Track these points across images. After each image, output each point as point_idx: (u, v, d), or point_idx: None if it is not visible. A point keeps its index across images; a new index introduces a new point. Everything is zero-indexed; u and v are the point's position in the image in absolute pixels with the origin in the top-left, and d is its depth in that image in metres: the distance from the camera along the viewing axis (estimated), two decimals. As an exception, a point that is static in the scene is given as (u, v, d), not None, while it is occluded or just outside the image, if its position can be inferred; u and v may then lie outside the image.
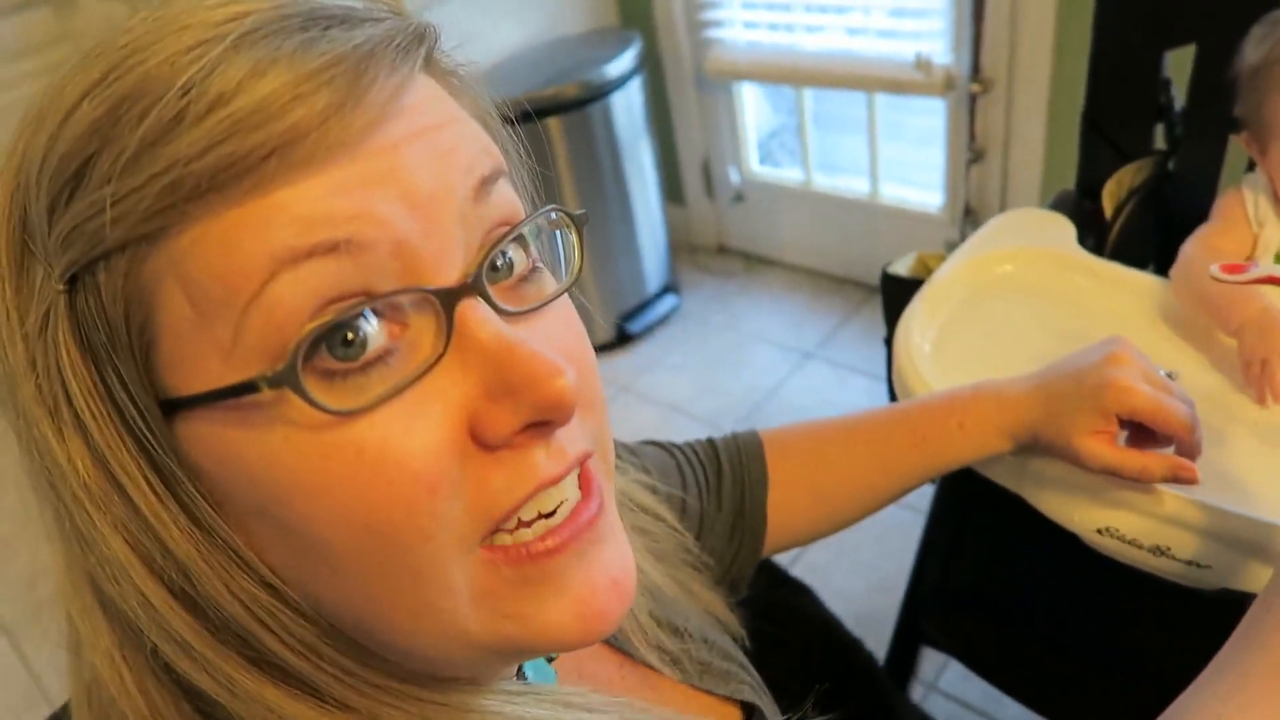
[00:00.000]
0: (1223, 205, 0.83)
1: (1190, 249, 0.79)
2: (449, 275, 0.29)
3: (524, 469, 0.30)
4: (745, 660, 0.57)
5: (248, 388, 0.27)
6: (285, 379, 0.27)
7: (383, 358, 0.28)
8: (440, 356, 0.29)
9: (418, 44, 0.30)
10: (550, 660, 0.44)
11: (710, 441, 0.66)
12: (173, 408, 0.29)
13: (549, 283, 0.34)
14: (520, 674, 0.41)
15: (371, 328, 0.28)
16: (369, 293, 0.28)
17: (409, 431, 0.28)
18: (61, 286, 0.28)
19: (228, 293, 0.27)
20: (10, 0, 2.43)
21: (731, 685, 0.52)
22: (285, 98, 0.27)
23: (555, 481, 0.31)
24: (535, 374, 0.29)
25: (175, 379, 0.28)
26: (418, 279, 0.29)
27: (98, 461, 0.29)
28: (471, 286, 0.30)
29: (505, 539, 0.30)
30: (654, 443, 0.64)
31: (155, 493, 0.29)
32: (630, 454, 0.61)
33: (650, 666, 0.50)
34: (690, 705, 0.51)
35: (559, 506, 0.31)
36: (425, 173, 0.29)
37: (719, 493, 0.63)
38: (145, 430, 0.29)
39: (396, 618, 0.30)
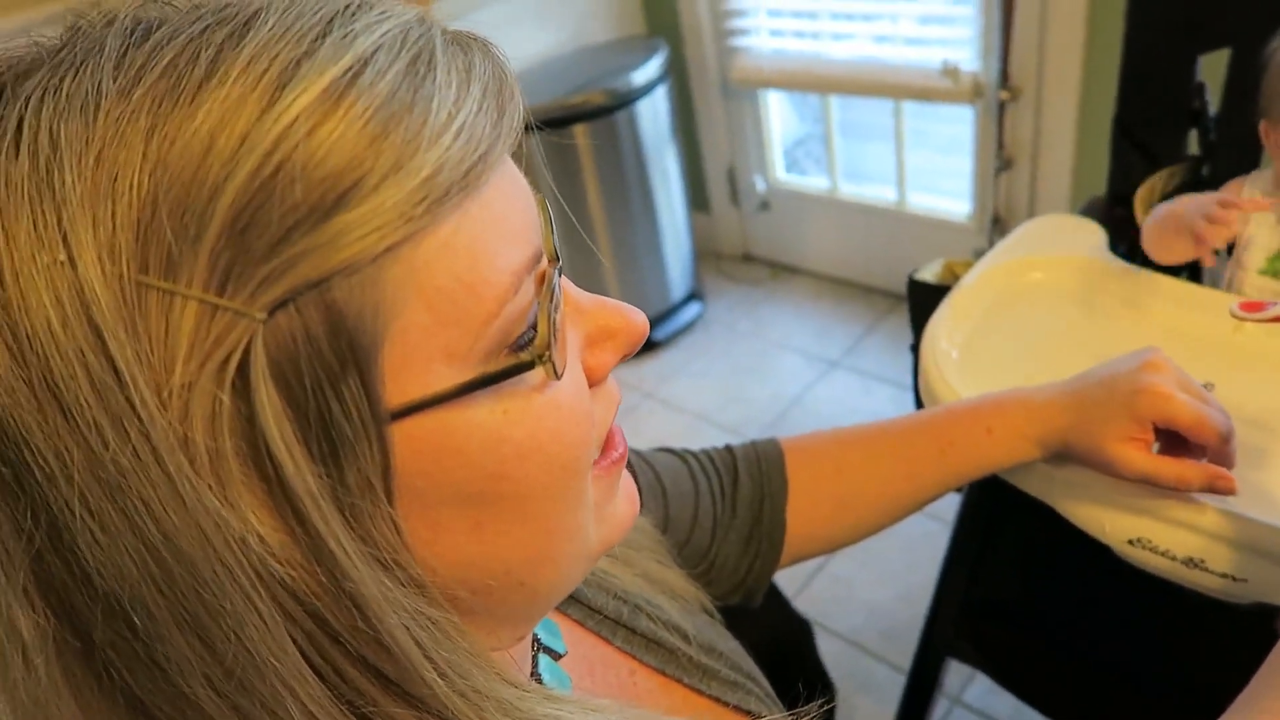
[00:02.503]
0: (1221, 190, 0.83)
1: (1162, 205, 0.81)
2: (542, 255, 0.33)
3: (609, 395, 0.37)
4: (755, 670, 0.56)
5: (518, 369, 0.30)
6: (545, 356, 0.30)
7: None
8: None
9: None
10: (558, 658, 0.44)
11: (728, 449, 0.65)
12: (402, 413, 0.28)
13: None
14: (535, 673, 0.41)
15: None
16: (546, 273, 0.32)
17: (574, 381, 0.33)
18: (263, 318, 0.25)
19: (474, 302, 0.29)
20: (47, 13, 2.48)
21: (739, 695, 0.52)
22: (484, 105, 0.29)
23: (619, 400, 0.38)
24: (628, 318, 0.36)
25: (397, 387, 0.28)
26: (545, 260, 0.33)
27: (279, 505, 0.27)
28: (561, 262, 0.34)
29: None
30: (668, 450, 0.64)
31: (345, 523, 0.28)
32: (641, 460, 0.61)
33: (660, 671, 0.50)
34: (704, 714, 0.50)
35: None
36: (521, 175, 0.32)
37: (734, 500, 0.62)
38: (356, 447, 0.27)
39: (562, 546, 0.34)
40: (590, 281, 2.11)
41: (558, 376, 0.31)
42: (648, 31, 2.36)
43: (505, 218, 0.30)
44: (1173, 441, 0.58)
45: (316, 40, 0.27)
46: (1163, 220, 0.79)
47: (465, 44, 0.30)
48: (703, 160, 2.47)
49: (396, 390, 0.28)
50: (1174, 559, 0.60)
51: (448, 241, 0.28)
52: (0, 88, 0.26)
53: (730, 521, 0.62)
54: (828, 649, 1.55)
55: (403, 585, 0.29)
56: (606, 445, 0.37)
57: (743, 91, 2.30)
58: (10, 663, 0.26)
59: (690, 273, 2.35)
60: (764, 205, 2.45)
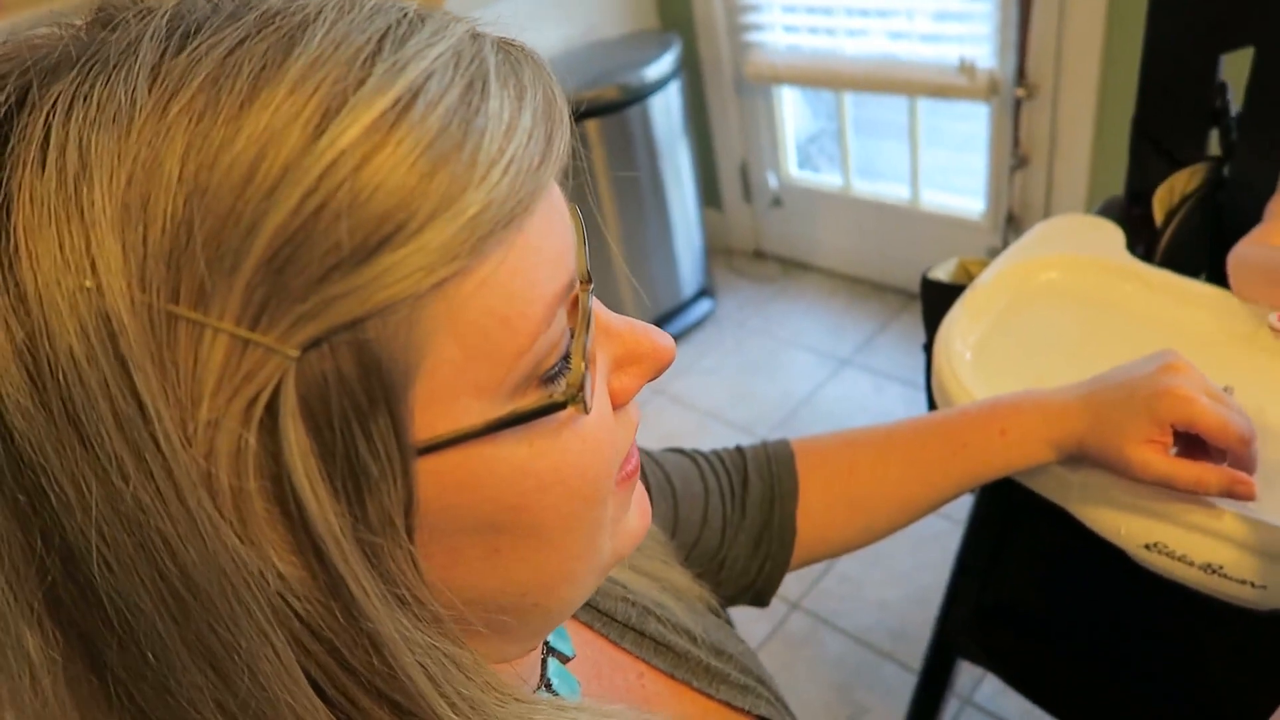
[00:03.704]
0: (1275, 204, 0.80)
1: (1242, 247, 0.77)
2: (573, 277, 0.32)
3: (629, 416, 0.36)
4: (765, 673, 0.56)
5: (550, 408, 0.29)
6: (578, 396, 0.30)
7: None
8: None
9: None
10: (566, 661, 0.44)
11: (739, 450, 0.65)
12: (429, 449, 0.28)
13: None
14: (544, 678, 0.41)
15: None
16: (579, 298, 0.31)
17: (601, 411, 0.33)
18: (295, 355, 0.24)
19: (508, 336, 0.28)
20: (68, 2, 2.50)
21: (749, 699, 0.51)
22: (534, 134, 0.28)
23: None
24: (656, 343, 0.35)
25: (425, 423, 0.27)
26: (575, 283, 0.32)
27: (300, 543, 0.26)
28: (589, 280, 0.33)
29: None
30: (678, 450, 0.63)
31: (364, 560, 0.27)
32: (651, 461, 0.60)
33: (669, 674, 0.49)
34: (714, 718, 0.50)
35: None
36: (561, 197, 0.31)
37: (743, 502, 0.62)
38: (380, 484, 0.27)
39: (577, 566, 0.34)
40: (602, 277, 2.12)
41: (587, 412, 0.31)
42: (661, 26, 2.35)
43: (544, 246, 0.29)
44: (1191, 445, 0.57)
45: (366, 64, 0.25)
46: (1266, 268, 0.75)
47: (515, 60, 0.29)
48: (715, 156, 2.46)
49: (424, 426, 0.27)
50: (1191, 564, 0.59)
51: (487, 279, 0.27)
52: (25, 88, 0.25)
53: (740, 523, 0.62)
54: (837, 648, 1.54)
55: (419, 620, 0.29)
56: (624, 459, 0.36)
57: (756, 87, 2.29)
58: (18, 681, 0.26)
59: (701, 269, 2.34)
60: (776, 202, 2.44)
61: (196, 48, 0.25)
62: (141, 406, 0.24)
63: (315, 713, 0.27)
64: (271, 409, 0.25)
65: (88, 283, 0.23)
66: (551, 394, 0.29)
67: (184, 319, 0.24)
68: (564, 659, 0.44)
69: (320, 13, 0.26)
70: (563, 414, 0.30)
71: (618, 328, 0.35)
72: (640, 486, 0.39)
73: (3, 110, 0.24)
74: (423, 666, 0.29)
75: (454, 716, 0.30)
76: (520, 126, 0.27)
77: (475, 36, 0.28)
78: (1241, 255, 0.76)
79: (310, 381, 0.25)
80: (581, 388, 0.30)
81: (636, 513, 0.38)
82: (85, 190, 0.23)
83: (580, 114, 1.96)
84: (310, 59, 0.25)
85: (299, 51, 0.25)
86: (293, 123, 0.24)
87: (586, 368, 0.30)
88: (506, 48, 0.29)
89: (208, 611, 0.25)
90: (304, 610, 0.26)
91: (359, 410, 0.26)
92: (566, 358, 0.30)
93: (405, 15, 0.28)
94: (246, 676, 0.26)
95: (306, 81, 0.25)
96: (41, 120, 0.24)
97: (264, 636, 0.26)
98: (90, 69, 0.25)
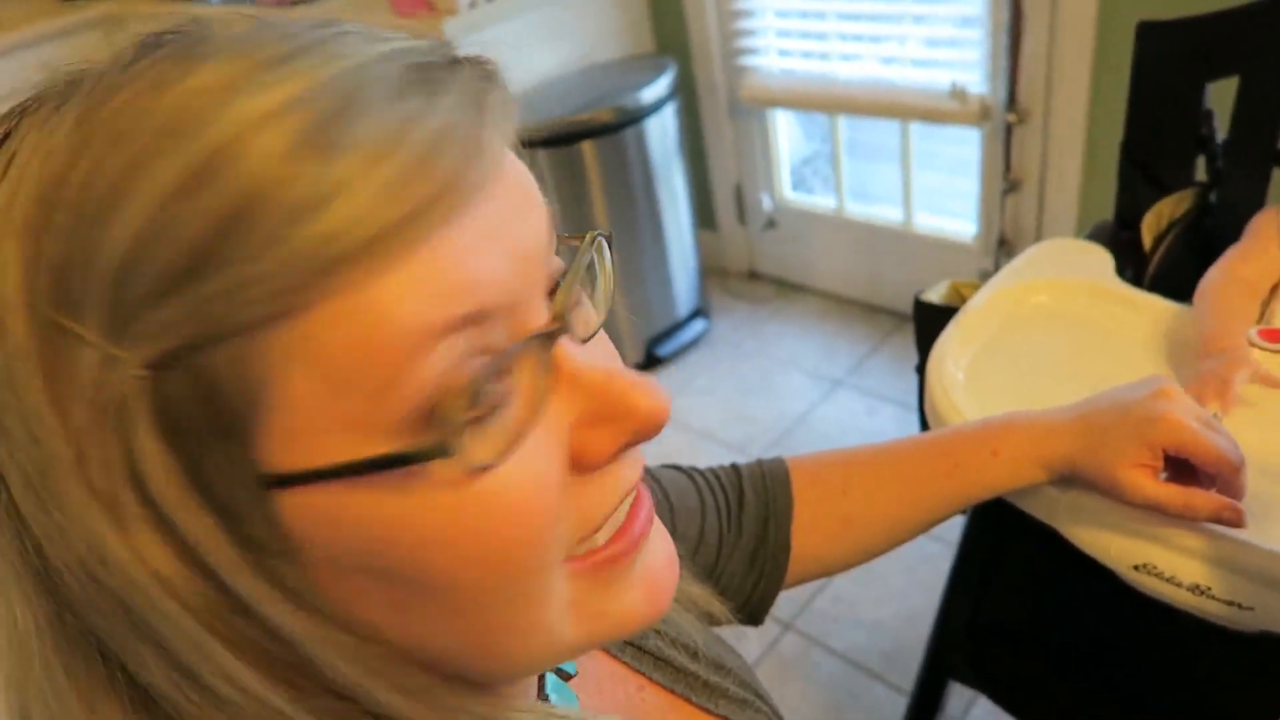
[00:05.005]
0: (1254, 225, 0.81)
1: (1213, 274, 0.79)
2: (540, 315, 0.30)
3: (612, 482, 0.32)
4: (762, 687, 0.56)
5: (407, 458, 0.26)
6: (446, 448, 0.27)
7: (497, 406, 0.28)
8: (545, 396, 0.30)
9: (500, 87, 0.30)
10: (568, 678, 0.44)
11: (734, 468, 0.65)
12: (283, 482, 0.27)
13: (589, 304, 0.35)
14: (541, 692, 0.41)
15: (499, 383, 0.28)
16: (491, 350, 0.28)
17: (529, 472, 0.29)
18: (144, 373, 0.25)
19: (374, 367, 0.26)
20: (59, 26, 2.51)
21: (747, 714, 0.52)
22: (433, 147, 0.26)
23: (635, 487, 0.33)
24: (637, 402, 0.30)
25: (287, 453, 0.26)
26: (523, 329, 0.29)
27: (180, 551, 0.26)
28: (564, 326, 0.30)
29: (580, 547, 0.32)
30: (675, 467, 0.64)
31: (254, 572, 0.27)
32: (648, 477, 0.61)
33: (669, 689, 0.50)
34: None
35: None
36: (521, 225, 0.29)
37: (739, 519, 0.62)
38: (246, 508, 0.27)
39: (508, 643, 0.31)
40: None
41: (469, 471, 0.27)
42: (657, 49, 2.37)
43: (439, 274, 0.26)
44: (1180, 470, 0.58)
45: (229, 89, 0.25)
46: (1219, 303, 0.77)
47: (433, 84, 0.27)
48: (710, 178, 2.48)
49: (286, 457, 0.27)
50: (1179, 585, 0.59)
51: (343, 309, 0.25)
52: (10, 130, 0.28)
53: (736, 540, 0.62)
54: (828, 669, 1.54)
55: (336, 626, 0.29)
56: (616, 535, 0.32)
57: (751, 110, 2.31)
58: (27, 663, 0.28)
59: (696, 290, 2.35)
60: (770, 223, 2.46)
61: (121, 80, 0.27)
62: (35, 406, 0.26)
63: (263, 687, 0.28)
64: (129, 419, 0.26)
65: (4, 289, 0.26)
66: (419, 443, 0.27)
67: (63, 328, 0.26)
68: (566, 676, 0.44)
69: (220, 45, 0.27)
70: (446, 468, 0.27)
71: (590, 378, 0.31)
72: (654, 566, 0.34)
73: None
74: (355, 662, 0.29)
75: (402, 700, 0.29)
76: (397, 155, 0.25)
77: (386, 59, 0.27)
78: (1202, 295, 0.77)
79: (159, 399, 0.26)
80: (458, 436, 0.27)
81: (637, 594, 0.34)
82: (16, 207, 0.26)
83: (575, 136, 1.98)
84: (195, 85, 0.26)
85: (192, 75, 0.26)
86: (153, 153, 0.25)
87: (484, 418, 0.27)
88: (430, 72, 0.28)
89: (118, 599, 0.27)
90: (221, 625, 0.27)
91: (202, 435, 0.26)
92: (475, 398, 0.27)
93: (323, 33, 0.28)
94: (213, 680, 0.27)
95: (188, 109, 0.25)
96: (11, 148, 0.28)
97: (176, 626, 0.27)
98: (58, 103, 0.27)
